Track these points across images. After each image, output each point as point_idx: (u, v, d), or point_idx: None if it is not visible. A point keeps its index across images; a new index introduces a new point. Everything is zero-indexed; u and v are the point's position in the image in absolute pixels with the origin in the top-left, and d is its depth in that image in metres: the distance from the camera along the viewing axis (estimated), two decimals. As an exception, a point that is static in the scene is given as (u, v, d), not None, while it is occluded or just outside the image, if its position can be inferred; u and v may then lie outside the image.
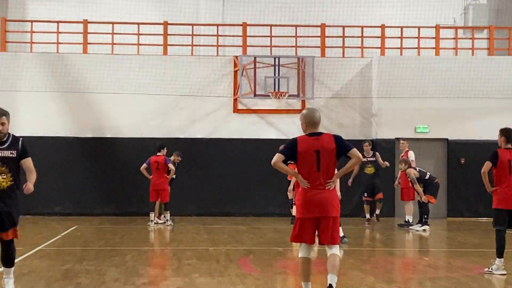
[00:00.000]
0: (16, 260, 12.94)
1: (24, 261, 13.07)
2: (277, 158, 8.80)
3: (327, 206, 8.70)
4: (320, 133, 8.90)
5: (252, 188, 24.05)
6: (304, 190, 8.77)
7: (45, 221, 21.92)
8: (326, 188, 8.72)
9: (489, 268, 12.07)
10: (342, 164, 8.89)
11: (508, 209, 11.95)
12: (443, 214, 24.13)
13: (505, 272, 11.85)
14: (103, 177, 23.82)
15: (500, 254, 11.92)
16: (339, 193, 18.39)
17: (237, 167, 23.99)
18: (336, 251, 8.73)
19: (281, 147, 9.16)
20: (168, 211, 20.90)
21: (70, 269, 12.17)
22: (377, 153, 22.10)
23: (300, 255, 8.85)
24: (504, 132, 12.19)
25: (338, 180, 9.35)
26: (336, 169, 8.94)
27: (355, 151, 8.79)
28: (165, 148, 20.87)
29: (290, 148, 8.83)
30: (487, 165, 12.03)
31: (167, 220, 20.76)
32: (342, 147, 8.78)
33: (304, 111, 9.07)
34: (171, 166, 20.50)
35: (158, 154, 20.66)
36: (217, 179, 24.02)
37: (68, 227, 19.93)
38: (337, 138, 8.89)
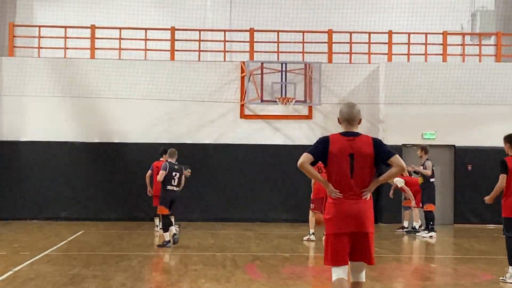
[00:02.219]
0: (22, 265, 13.04)
1: (31, 266, 13.09)
2: (304, 158, 7.33)
3: (363, 220, 7.29)
4: (357, 134, 7.46)
5: (258, 193, 24.04)
6: (336, 201, 7.32)
7: (52, 226, 21.95)
8: (362, 197, 7.33)
9: (503, 277, 11.82)
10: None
11: None
12: (450, 221, 24.08)
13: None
14: (110, 182, 23.84)
15: None
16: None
17: (243, 173, 23.99)
18: (363, 277, 7.45)
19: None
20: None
21: (76, 274, 12.18)
22: (427, 163, 20.03)
23: (334, 277, 7.32)
24: (508, 138, 11.86)
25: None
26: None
27: (397, 158, 7.35)
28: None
29: (321, 148, 7.37)
30: (503, 178, 11.60)
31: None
32: (381, 153, 7.35)
33: (341, 105, 7.72)
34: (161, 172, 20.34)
35: (161, 159, 20.62)
36: (223, 185, 24.02)
37: (75, 232, 19.95)
38: (377, 142, 7.43)
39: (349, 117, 7.53)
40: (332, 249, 7.30)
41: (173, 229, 16.73)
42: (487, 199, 12.09)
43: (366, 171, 7.34)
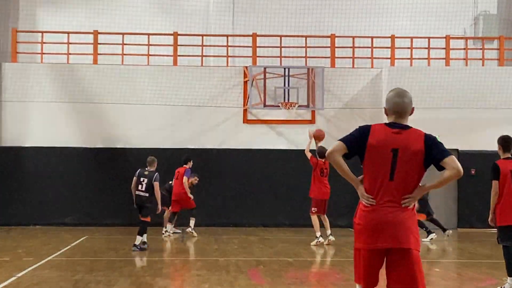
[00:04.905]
0: (26, 271, 13.04)
1: (34, 272, 13.09)
2: (335, 147, 6.06)
3: (402, 233, 5.90)
4: (407, 126, 6.07)
5: (261, 198, 24.02)
6: (367, 208, 6.01)
7: (55, 231, 21.94)
8: (402, 206, 5.95)
9: (501, 287, 11.45)
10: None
11: None
12: (454, 225, 24.04)
13: None
14: (113, 187, 23.83)
15: (510, 272, 11.08)
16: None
17: (246, 177, 23.98)
18: None
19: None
20: (194, 219, 20.74)
21: (80, 280, 12.17)
22: None
23: None
24: (500, 140, 11.33)
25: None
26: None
27: (453, 160, 5.93)
28: (191, 161, 20.83)
29: (358, 137, 6.11)
30: (495, 184, 10.99)
31: (190, 228, 20.65)
32: (434, 150, 5.96)
33: (389, 93, 6.22)
34: (184, 179, 20.50)
35: (184, 166, 20.72)
36: (227, 189, 24.01)
37: (78, 237, 19.95)
38: (430, 138, 6.04)
39: (400, 108, 6.10)
40: (363, 266, 6.10)
41: (140, 238, 17.06)
42: (489, 220, 11.31)
43: (412, 172, 5.95)
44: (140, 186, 17.08)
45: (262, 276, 12.93)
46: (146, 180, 17.04)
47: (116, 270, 13.42)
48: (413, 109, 6.16)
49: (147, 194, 17.01)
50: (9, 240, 19.37)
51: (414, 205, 6.02)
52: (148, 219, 17.13)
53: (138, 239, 16.97)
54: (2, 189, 23.58)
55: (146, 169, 17.35)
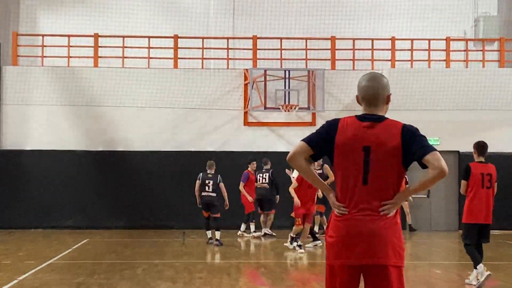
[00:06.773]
0: (27, 274, 13.04)
1: (36, 275, 13.09)
2: (297, 149, 5.14)
3: (378, 247, 4.95)
4: (380, 118, 5.13)
5: (262, 201, 23.98)
6: (340, 218, 5.06)
7: (56, 234, 21.94)
8: (381, 214, 4.97)
9: (468, 279, 12.11)
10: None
11: (478, 223, 11.89)
12: (455, 227, 24.03)
13: (481, 280, 11.75)
14: (114, 190, 23.83)
15: (476, 264, 11.89)
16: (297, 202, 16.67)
17: (247, 180, 23.96)
18: None
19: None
20: (253, 223, 21.69)
21: (81, 283, 12.18)
22: (325, 165, 19.57)
23: None
24: (475, 145, 12.39)
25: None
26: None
27: (435, 157, 4.90)
28: (254, 163, 21.68)
29: (324, 135, 5.11)
30: (463, 184, 12.10)
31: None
32: (413, 146, 4.97)
33: (361, 77, 5.31)
34: (241, 185, 21.33)
35: (249, 169, 21.57)
36: (228, 191, 23.94)
37: (79, 240, 19.95)
38: (408, 130, 5.03)
39: (371, 94, 5.17)
40: (330, 285, 5.22)
41: (209, 233, 19.15)
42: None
43: (390, 173, 5.01)
44: (207, 188, 18.81)
45: (263, 279, 12.93)
46: (211, 182, 18.78)
47: (118, 273, 13.43)
48: (389, 96, 5.23)
49: (214, 194, 18.84)
50: (10, 243, 19.38)
51: (397, 213, 5.04)
52: (219, 215, 18.96)
53: (217, 234, 18.75)
54: (3, 192, 23.58)
55: (208, 172, 18.95)
